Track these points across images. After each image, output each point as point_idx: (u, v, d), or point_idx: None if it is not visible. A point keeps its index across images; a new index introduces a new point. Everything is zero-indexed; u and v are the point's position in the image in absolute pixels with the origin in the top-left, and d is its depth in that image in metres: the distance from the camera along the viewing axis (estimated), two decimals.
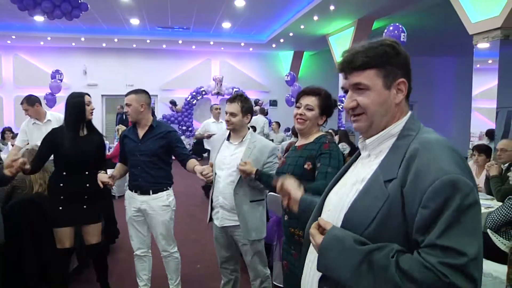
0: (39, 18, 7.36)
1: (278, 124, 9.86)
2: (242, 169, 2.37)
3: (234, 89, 12.15)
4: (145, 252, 3.01)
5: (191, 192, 7.10)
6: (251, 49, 12.42)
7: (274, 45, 11.63)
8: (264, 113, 9.33)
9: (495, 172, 3.58)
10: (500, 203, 3.13)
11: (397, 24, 5.80)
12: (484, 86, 5.48)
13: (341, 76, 1.15)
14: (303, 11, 8.08)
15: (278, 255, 3.11)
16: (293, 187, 1.43)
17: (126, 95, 2.87)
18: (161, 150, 2.82)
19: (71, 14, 5.73)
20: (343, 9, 7.62)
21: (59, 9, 5.55)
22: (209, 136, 6.09)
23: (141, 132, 2.86)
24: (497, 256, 2.42)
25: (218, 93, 12.33)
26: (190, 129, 12.44)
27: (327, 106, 2.08)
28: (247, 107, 2.57)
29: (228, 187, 2.53)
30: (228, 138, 2.66)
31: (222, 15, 8.91)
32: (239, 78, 12.73)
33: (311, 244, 1.13)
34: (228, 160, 2.57)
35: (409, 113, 1.12)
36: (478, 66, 5.49)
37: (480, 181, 4.07)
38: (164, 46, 11.95)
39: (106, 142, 3.55)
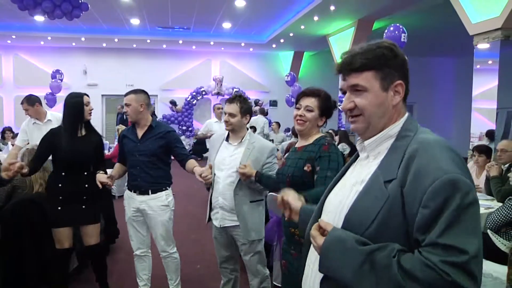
0: (39, 18, 7.37)
1: (278, 124, 9.85)
2: (242, 172, 2.38)
3: (234, 89, 12.14)
4: (145, 252, 3.02)
5: (190, 192, 7.09)
6: (251, 49, 12.42)
7: (274, 45, 11.64)
8: (264, 113, 9.32)
9: (495, 173, 3.58)
10: (500, 204, 3.14)
11: (398, 24, 5.78)
12: (484, 86, 5.48)
13: (340, 77, 1.16)
14: (303, 12, 8.07)
15: (278, 255, 3.10)
16: (293, 198, 1.43)
17: (125, 95, 2.87)
18: (160, 150, 2.82)
19: (72, 14, 5.73)
20: (343, 10, 7.61)
21: (60, 9, 5.55)
22: (212, 136, 6.08)
23: (140, 132, 2.86)
24: (497, 256, 2.42)
25: (218, 93, 12.32)
26: (190, 129, 12.44)
27: (327, 107, 2.08)
28: (246, 108, 2.57)
29: (227, 188, 2.53)
30: (227, 139, 2.66)
31: (223, 15, 8.91)
32: (239, 78, 12.72)
33: (311, 245, 1.13)
34: (227, 161, 2.57)
35: (406, 114, 1.13)
36: (478, 66, 5.49)
37: (481, 181, 4.07)
38: (164, 46, 11.95)
39: (106, 142, 3.55)
